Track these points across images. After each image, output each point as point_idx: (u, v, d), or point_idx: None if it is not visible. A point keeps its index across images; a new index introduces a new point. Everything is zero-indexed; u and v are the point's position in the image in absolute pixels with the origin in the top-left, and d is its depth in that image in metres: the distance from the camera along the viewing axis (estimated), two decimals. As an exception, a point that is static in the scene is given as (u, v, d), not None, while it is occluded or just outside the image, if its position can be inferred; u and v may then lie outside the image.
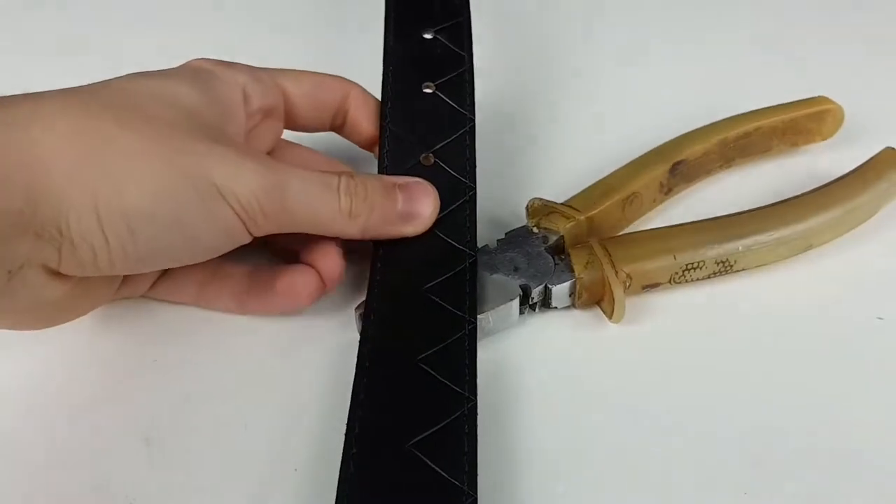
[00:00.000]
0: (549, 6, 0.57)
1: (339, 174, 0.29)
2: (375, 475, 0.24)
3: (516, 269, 0.31)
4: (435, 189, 0.31)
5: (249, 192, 0.26)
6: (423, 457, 0.24)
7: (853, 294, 0.32)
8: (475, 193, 0.32)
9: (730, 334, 0.31)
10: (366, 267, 0.31)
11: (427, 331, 0.28)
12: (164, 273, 0.32)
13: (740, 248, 0.31)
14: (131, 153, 0.25)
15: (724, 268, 0.31)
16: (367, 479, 0.24)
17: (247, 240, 0.28)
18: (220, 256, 0.28)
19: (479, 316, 0.29)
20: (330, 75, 0.34)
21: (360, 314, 0.30)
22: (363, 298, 0.30)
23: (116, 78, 0.28)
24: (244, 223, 0.27)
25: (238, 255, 0.29)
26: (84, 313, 0.29)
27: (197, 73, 0.30)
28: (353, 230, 0.29)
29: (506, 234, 0.33)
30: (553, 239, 0.32)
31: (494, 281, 0.31)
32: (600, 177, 0.36)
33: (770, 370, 0.29)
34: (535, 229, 0.33)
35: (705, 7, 0.56)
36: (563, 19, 0.55)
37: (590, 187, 0.35)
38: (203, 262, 0.28)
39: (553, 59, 0.51)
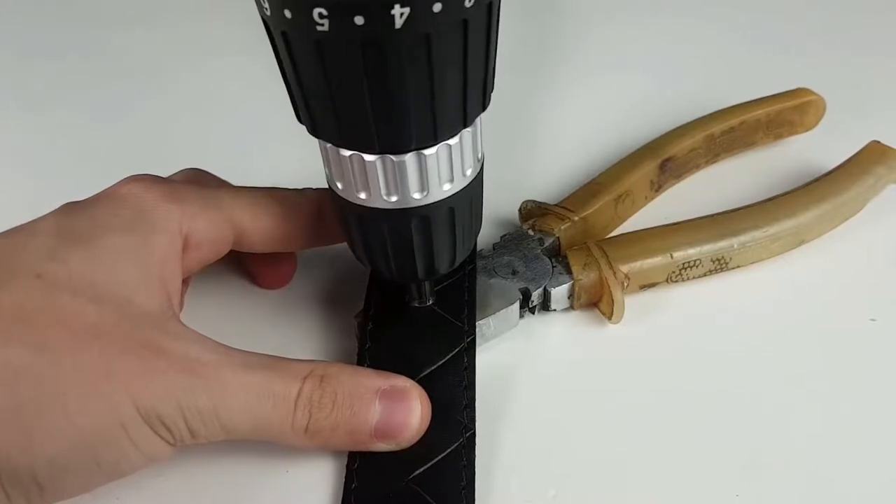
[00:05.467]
0: (536, 10, 0.57)
1: (305, 378, 0.24)
2: None
3: (515, 273, 0.31)
4: (425, 395, 0.26)
5: (177, 414, 0.22)
6: (422, 492, 0.24)
7: (845, 288, 0.33)
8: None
9: (726, 333, 0.31)
10: (364, 273, 0.31)
11: (426, 345, 0.28)
12: None
13: (735, 245, 0.31)
14: (46, 391, 0.20)
15: (720, 265, 0.32)
16: None
17: (171, 456, 0.23)
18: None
19: (479, 322, 0.29)
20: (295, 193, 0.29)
21: (359, 322, 0.29)
22: (361, 307, 0.30)
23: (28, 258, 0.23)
24: (170, 445, 0.23)
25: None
26: None
27: (132, 221, 0.25)
28: (307, 446, 0.25)
29: (501, 237, 0.33)
30: (549, 241, 0.32)
31: (494, 285, 0.30)
32: (591, 177, 0.36)
33: (766, 370, 0.29)
34: (530, 232, 0.33)
35: (684, 5, 0.56)
36: (549, 22, 0.55)
37: (581, 188, 0.35)
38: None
39: (539, 61, 0.51)
